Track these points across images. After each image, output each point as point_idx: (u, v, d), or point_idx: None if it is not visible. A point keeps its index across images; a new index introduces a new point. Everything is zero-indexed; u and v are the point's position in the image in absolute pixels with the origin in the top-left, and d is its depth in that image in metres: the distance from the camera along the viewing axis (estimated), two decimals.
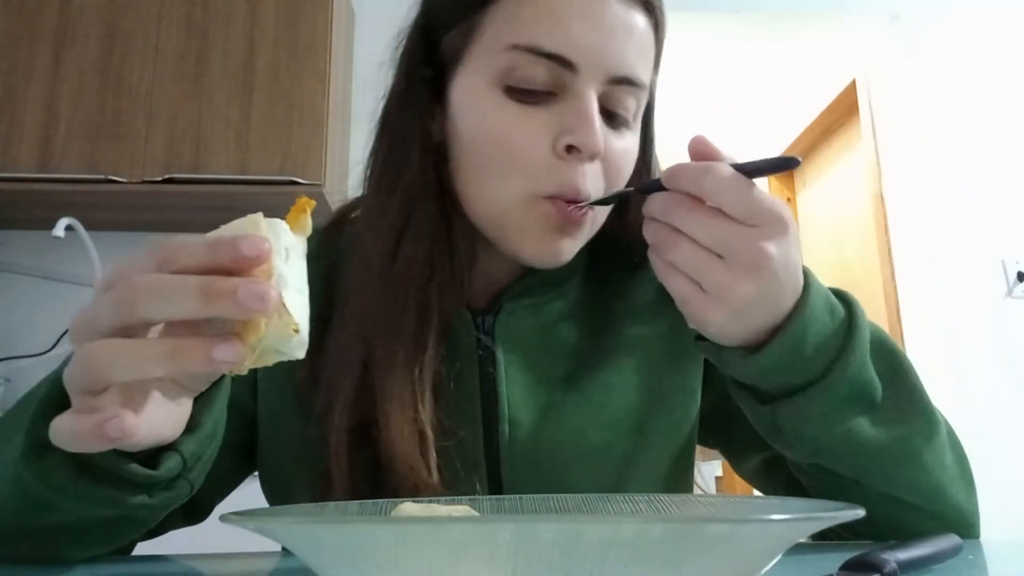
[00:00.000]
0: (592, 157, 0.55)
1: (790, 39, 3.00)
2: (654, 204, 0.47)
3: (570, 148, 0.54)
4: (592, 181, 0.56)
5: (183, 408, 0.43)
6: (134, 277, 0.35)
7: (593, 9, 0.54)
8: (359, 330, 0.57)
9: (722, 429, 0.68)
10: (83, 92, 2.08)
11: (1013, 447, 2.21)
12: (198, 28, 2.14)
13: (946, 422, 0.56)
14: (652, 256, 0.48)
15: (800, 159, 0.45)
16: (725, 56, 3.19)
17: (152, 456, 0.44)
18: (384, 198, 0.60)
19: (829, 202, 3.16)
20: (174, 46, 2.13)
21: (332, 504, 0.45)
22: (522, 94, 0.55)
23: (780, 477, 0.63)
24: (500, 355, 0.61)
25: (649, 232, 0.48)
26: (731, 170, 0.44)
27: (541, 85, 0.55)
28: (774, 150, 3.44)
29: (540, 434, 0.59)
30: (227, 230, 0.37)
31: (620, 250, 0.67)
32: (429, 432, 0.54)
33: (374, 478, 0.53)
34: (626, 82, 0.56)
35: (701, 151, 0.46)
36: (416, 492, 0.52)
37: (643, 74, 0.57)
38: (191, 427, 0.45)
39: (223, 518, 0.33)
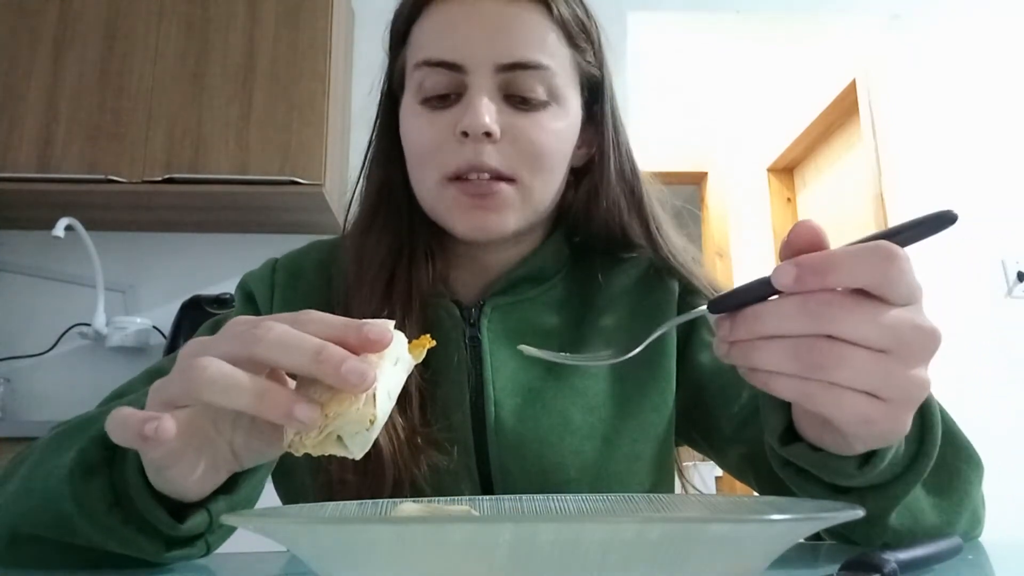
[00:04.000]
0: (486, 136, 0.61)
1: (790, 39, 3.00)
2: (785, 318, 0.36)
3: (465, 133, 0.61)
4: (495, 157, 0.61)
5: (218, 476, 0.44)
6: (268, 323, 0.38)
7: (471, 14, 0.62)
8: (343, 315, 0.62)
9: (698, 422, 0.69)
10: (83, 92, 2.08)
11: (1013, 447, 2.21)
12: (198, 28, 2.14)
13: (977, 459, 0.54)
14: (796, 385, 0.37)
15: (954, 213, 0.37)
16: (725, 56, 3.19)
17: (181, 514, 0.46)
18: (360, 201, 0.72)
19: (829, 202, 3.16)
20: (174, 46, 2.13)
21: (332, 504, 0.45)
22: (433, 103, 0.64)
23: (761, 471, 0.63)
24: (486, 344, 0.66)
25: (781, 354, 0.37)
26: (900, 248, 0.36)
27: (445, 90, 0.63)
28: (773, 150, 3.44)
29: (524, 415, 0.63)
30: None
31: (601, 247, 0.73)
32: (413, 398, 0.60)
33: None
34: (519, 67, 0.62)
35: (812, 240, 0.37)
36: (402, 466, 0.58)
37: (535, 56, 0.62)
38: (227, 490, 0.47)
39: (224, 518, 0.33)
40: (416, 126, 0.64)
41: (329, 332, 0.38)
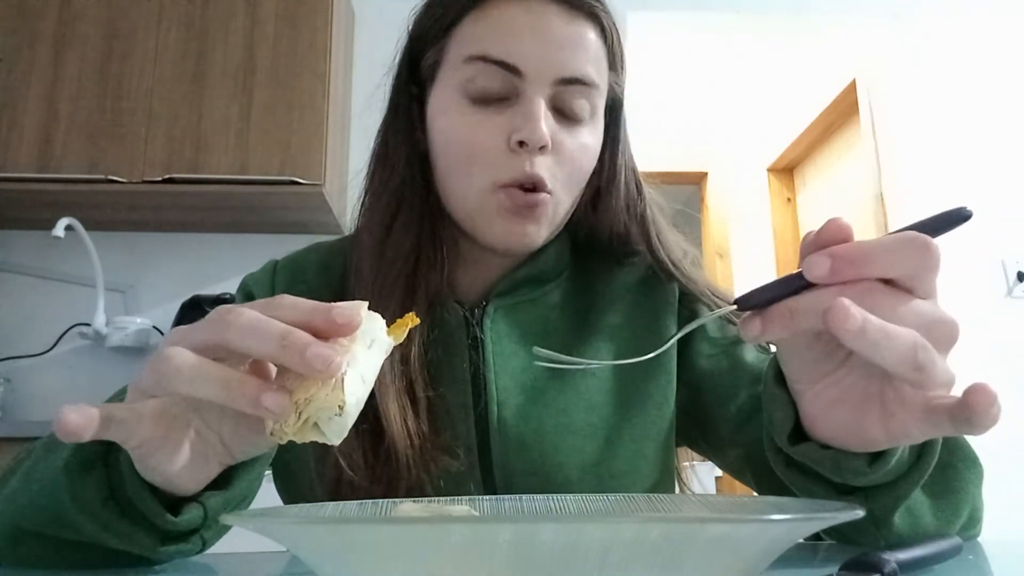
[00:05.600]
0: (541, 149, 0.61)
1: (790, 39, 3.00)
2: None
3: (521, 143, 0.60)
4: (545, 170, 0.62)
5: (210, 468, 0.44)
6: (239, 310, 0.38)
7: (537, 22, 0.61)
8: None
9: (697, 422, 0.69)
10: (83, 92, 2.08)
11: (1013, 447, 2.21)
12: (198, 28, 2.14)
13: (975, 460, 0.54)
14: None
15: (969, 210, 0.38)
16: (725, 56, 3.19)
17: (176, 508, 0.46)
18: (378, 196, 0.69)
19: (829, 202, 3.16)
20: (174, 46, 2.13)
21: (332, 504, 0.45)
22: (481, 101, 0.62)
23: (759, 471, 0.63)
24: (488, 345, 0.66)
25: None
26: (933, 240, 0.37)
27: (497, 92, 0.61)
28: (773, 150, 3.44)
29: (527, 415, 0.64)
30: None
31: (603, 249, 0.73)
32: (421, 404, 0.60)
33: (375, 451, 0.58)
34: (574, 82, 0.62)
35: (843, 238, 0.38)
36: (413, 464, 0.58)
37: (591, 74, 0.63)
38: (223, 486, 0.46)
39: (224, 518, 0.33)
40: (462, 125, 0.63)
41: (298, 316, 0.38)
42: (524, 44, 0.61)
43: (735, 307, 0.41)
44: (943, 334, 0.37)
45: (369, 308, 0.62)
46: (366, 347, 0.38)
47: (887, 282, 0.37)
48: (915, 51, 2.67)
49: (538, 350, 0.45)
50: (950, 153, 2.58)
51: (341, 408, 0.36)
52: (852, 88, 2.84)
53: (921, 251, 0.37)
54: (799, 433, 0.47)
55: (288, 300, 0.39)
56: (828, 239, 0.38)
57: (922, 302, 0.38)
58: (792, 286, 0.38)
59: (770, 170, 3.52)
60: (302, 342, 0.36)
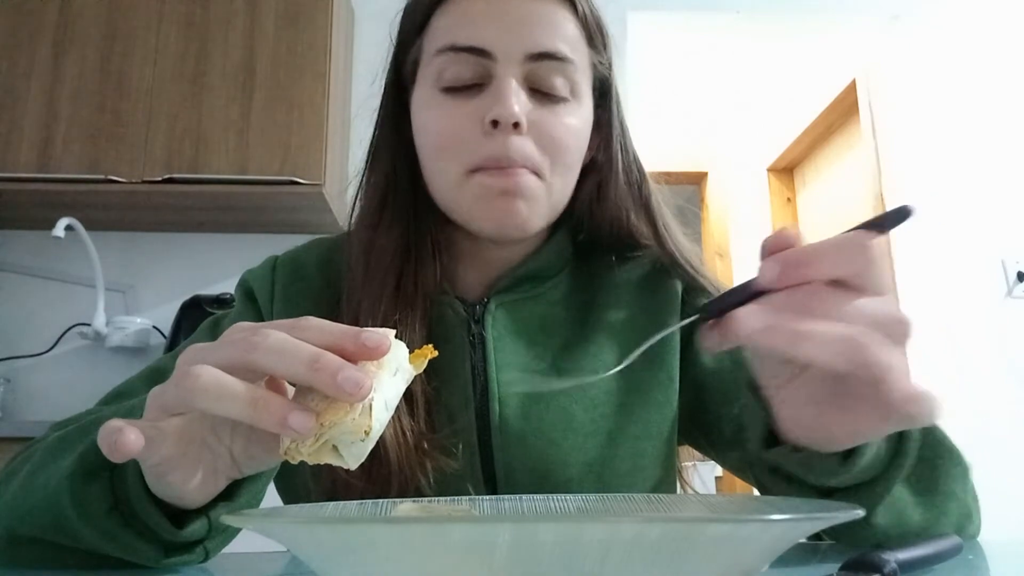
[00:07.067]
0: (515, 127, 0.60)
1: (790, 39, 3.00)
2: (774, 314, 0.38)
3: (495, 123, 0.59)
4: (520, 149, 0.60)
5: (217, 482, 0.44)
6: (265, 330, 0.38)
7: (501, 6, 0.62)
8: (352, 315, 0.64)
9: (699, 422, 0.69)
10: (83, 92, 2.08)
11: (1013, 447, 2.21)
12: (198, 28, 2.14)
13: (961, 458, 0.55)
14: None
15: (913, 207, 0.39)
16: (725, 56, 3.19)
17: (180, 520, 0.46)
18: (366, 197, 0.70)
19: (829, 202, 3.16)
20: (174, 46, 2.13)
21: (332, 504, 0.45)
22: (455, 90, 0.62)
23: (761, 472, 0.63)
24: (490, 342, 0.65)
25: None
26: (871, 238, 0.38)
27: (469, 79, 0.62)
28: (773, 150, 3.44)
29: (528, 413, 0.63)
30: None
31: (606, 244, 0.72)
32: (419, 402, 0.60)
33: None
34: (546, 57, 0.61)
35: (785, 244, 0.39)
36: (407, 465, 0.57)
37: (563, 49, 0.62)
38: (227, 497, 0.46)
39: (223, 518, 0.33)
40: (436, 116, 0.63)
41: (327, 339, 0.37)
42: (490, 26, 0.61)
43: (698, 316, 0.42)
44: (893, 330, 0.38)
45: (363, 308, 0.62)
46: (391, 374, 0.38)
47: (840, 283, 0.38)
48: (915, 51, 2.67)
49: (511, 378, 0.45)
50: (950, 153, 2.58)
51: (367, 434, 0.36)
52: (852, 88, 2.84)
53: (858, 250, 0.38)
54: (778, 438, 0.47)
55: (315, 322, 0.39)
56: (775, 247, 0.39)
57: (871, 300, 0.38)
58: (748, 292, 0.39)
59: (770, 170, 3.52)
60: (335, 365, 0.35)
